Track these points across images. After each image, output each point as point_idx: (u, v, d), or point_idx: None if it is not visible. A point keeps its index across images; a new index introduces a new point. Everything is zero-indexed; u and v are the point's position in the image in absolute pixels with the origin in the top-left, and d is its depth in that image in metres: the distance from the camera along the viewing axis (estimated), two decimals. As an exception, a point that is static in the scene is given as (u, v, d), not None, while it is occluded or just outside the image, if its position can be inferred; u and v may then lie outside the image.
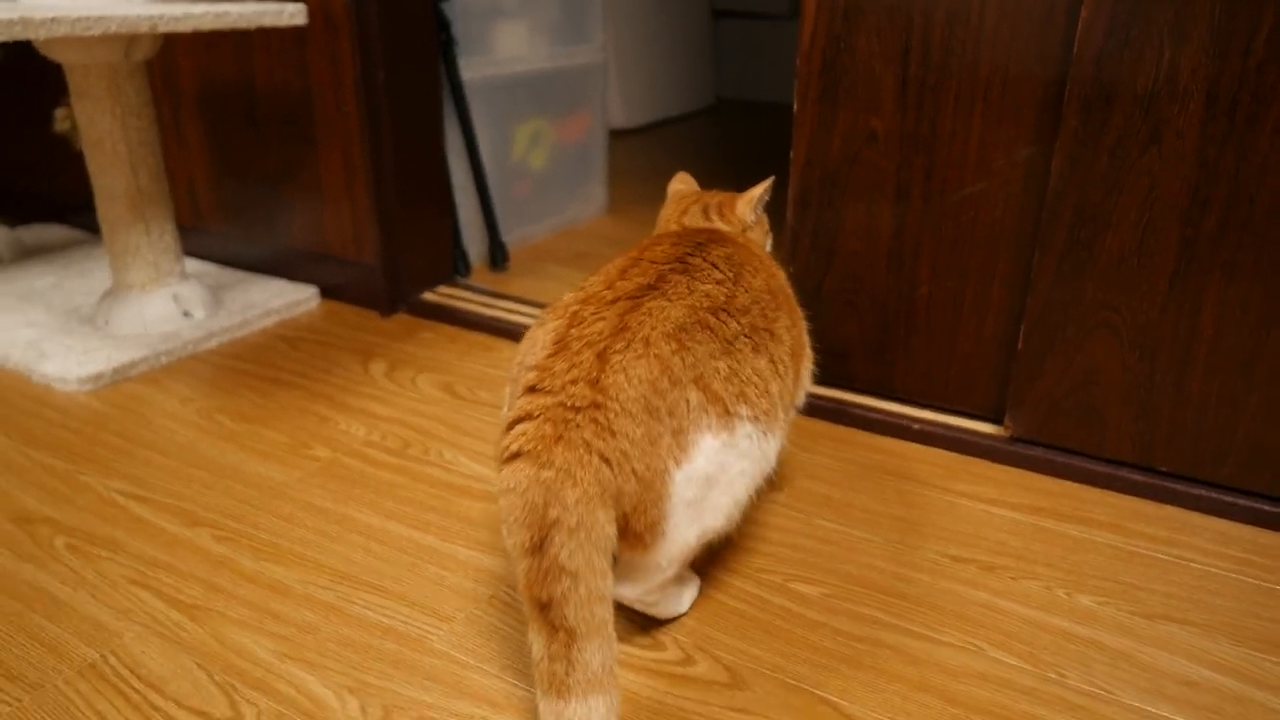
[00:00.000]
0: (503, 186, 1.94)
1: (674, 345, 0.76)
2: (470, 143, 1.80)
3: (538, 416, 0.73)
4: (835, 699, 0.83)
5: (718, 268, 0.86)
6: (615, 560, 0.82)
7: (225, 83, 1.72)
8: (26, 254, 1.96)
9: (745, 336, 0.82)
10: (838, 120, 1.23)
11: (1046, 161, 1.11)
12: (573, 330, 0.78)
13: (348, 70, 1.55)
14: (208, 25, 1.27)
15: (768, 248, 1.12)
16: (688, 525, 0.77)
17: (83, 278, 1.82)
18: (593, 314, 0.79)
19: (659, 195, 1.14)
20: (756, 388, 0.81)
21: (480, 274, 1.88)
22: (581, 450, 0.71)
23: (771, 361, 0.85)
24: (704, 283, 0.84)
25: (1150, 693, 0.84)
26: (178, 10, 1.24)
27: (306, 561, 1.01)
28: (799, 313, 1.00)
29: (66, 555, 1.01)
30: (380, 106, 1.57)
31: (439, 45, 1.70)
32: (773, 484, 1.16)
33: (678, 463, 0.75)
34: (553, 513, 0.69)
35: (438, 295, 1.74)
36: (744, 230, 1.07)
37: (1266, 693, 0.84)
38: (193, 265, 1.89)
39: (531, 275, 1.88)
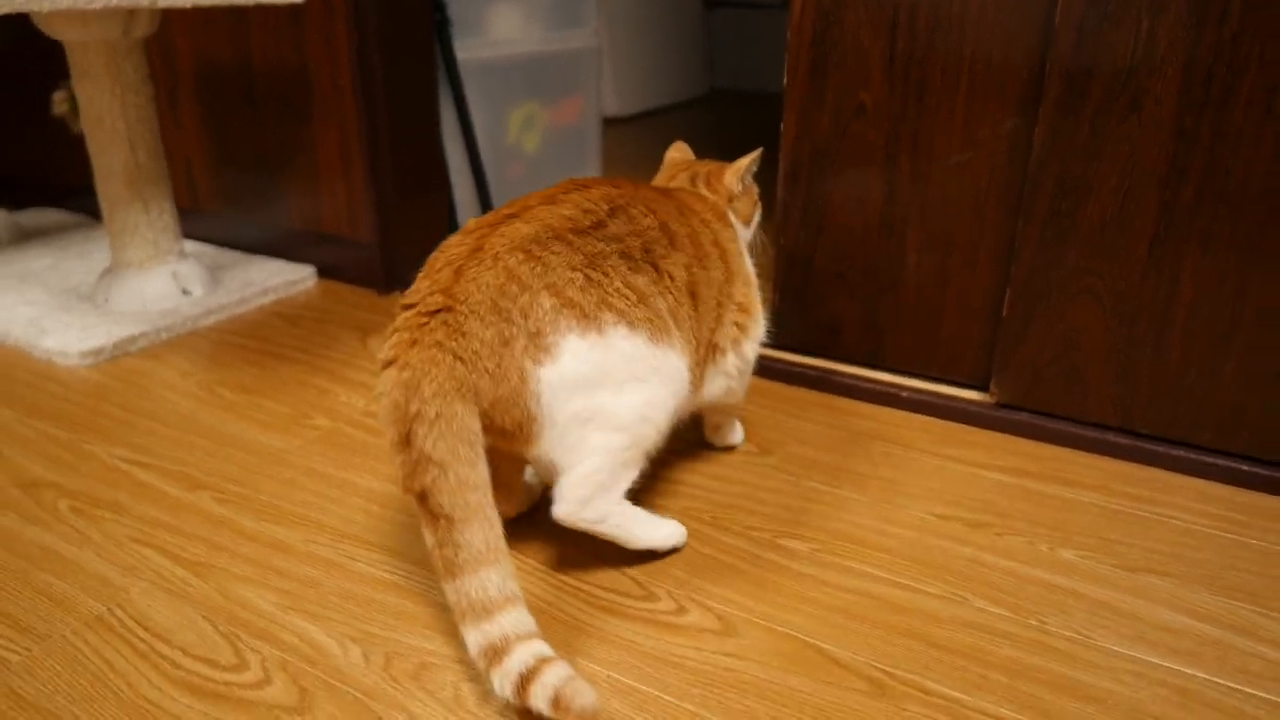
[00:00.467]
0: (497, 168, 1.96)
1: (521, 256, 0.83)
2: (465, 124, 1.82)
3: (402, 328, 0.83)
4: (822, 644, 0.85)
5: (590, 201, 0.91)
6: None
7: (222, 64, 1.74)
8: (24, 237, 1.98)
9: (618, 257, 0.88)
10: (827, 93, 1.25)
11: (1029, 132, 1.13)
12: (439, 256, 0.86)
13: (343, 49, 1.57)
14: (207, 1, 1.29)
15: (756, 218, 1.15)
16: (576, 427, 0.83)
17: (80, 259, 1.84)
18: (457, 241, 0.87)
19: (651, 180, 1.17)
20: (627, 299, 0.86)
21: (475, 254, 1.90)
22: (434, 350, 0.79)
23: (655, 284, 0.90)
24: (566, 209, 0.89)
25: (1130, 638, 0.86)
26: (176, -14, 1.26)
27: (308, 522, 1.03)
28: (731, 268, 1.03)
29: (71, 517, 1.03)
30: (376, 86, 1.59)
31: (434, 26, 1.72)
32: (763, 448, 1.19)
33: (538, 362, 0.81)
34: (413, 407, 0.77)
35: (434, 274, 1.76)
36: (730, 199, 1.10)
37: (1244, 638, 0.87)
38: (190, 247, 1.91)
39: (526, 256, 1.89)
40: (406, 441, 0.77)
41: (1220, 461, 1.12)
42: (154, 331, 1.50)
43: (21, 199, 2.23)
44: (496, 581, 0.75)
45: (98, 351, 1.42)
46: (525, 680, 0.72)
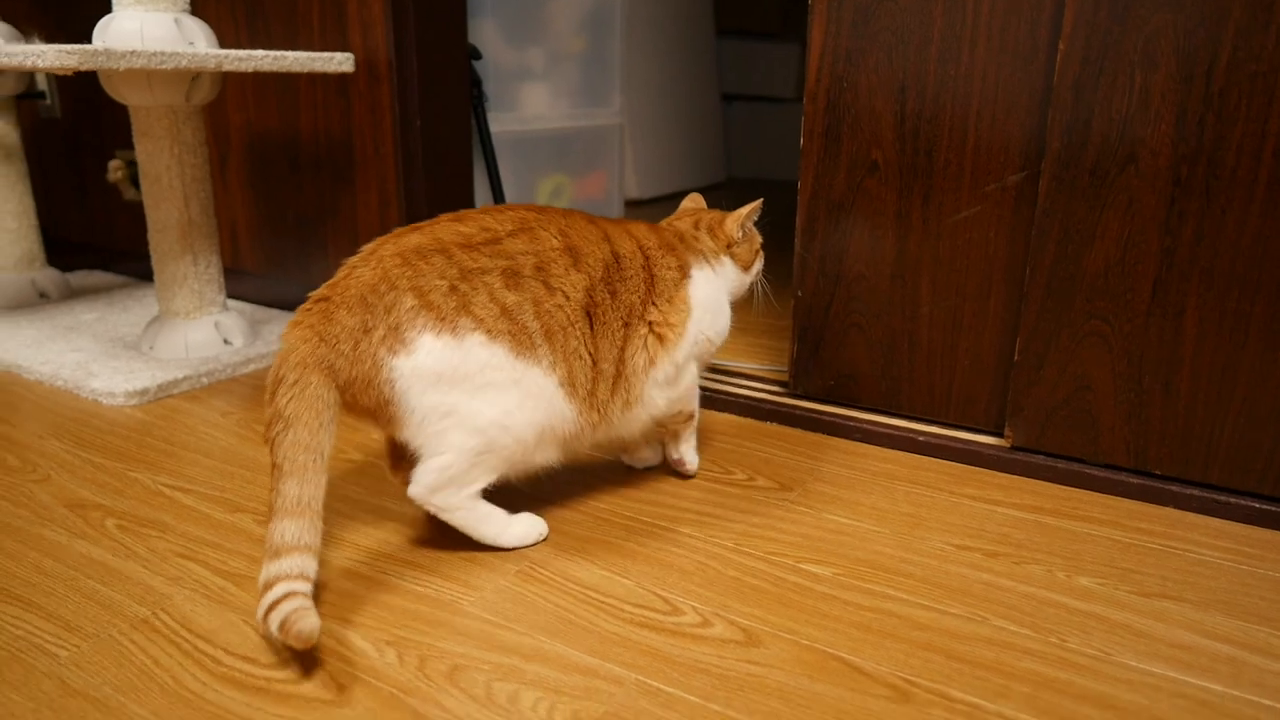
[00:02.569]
0: (525, 235, 2.05)
1: (398, 261, 0.96)
2: (496, 189, 1.92)
3: (295, 313, 0.97)
4: (846, 655, 0.87)
5: (496, 221, 1.02)
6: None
7: (270, 134, 1.85)
8: (73, 294, 2.07)
9: (499, 273, 0.98)
10: (842, 153, 1.33)
11: (1034, 184, 1.20)
12: (347, 259, 1.00)
13: (387, 117, 1.68)
14: (267, 66, 1.40)
15: (758, 265, 1.23)
16: (436, 420, 0.96)
17: (125, 313, 1.92)
18: (365, 247, 1.00)
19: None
20: (490, 310, 0.96)
21: (503, 315, 1.97)
22: (306, 330, 0.94)
23: (534, 302, 0.99)
24: (466, 227, 1.00)
25: (1147, 655, 0.88)
26: (241, 53, 1.37)
27: (345, 543, 1.06)
28: (656, 291, 1.08)
29: (117, 534, 1.07)
30: (415, 151, 1.69)
31: (472, 100, 1.83)
32: (783, 484, 1.23)
33: (393, 352, 0.94)
34: (281, 372, 0.92)
35: (463, 330, 1.83)
36: (729, 245, 1.18)
37: (1260, 656, 0.88)
38: (231, 304, 1.99)
39: (551, 316, 1.97)
40: (272, 398, 0.92)
41: (1233, 500, 1.14)
42: (196, 376, 1.56)
43: (71, 261, 2.34)
44: (293, 531, 0.87)
45: (142, 392, 1.48)
46: (271, 607, 0.82)
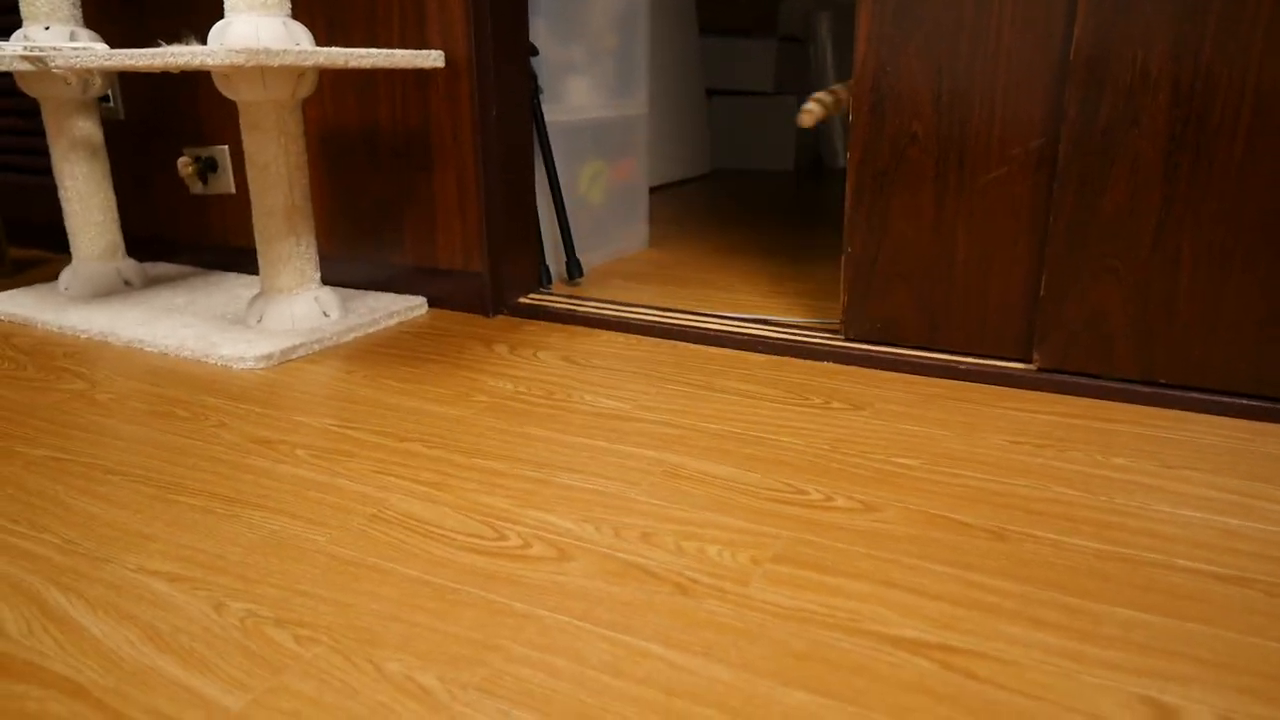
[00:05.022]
0: (570, 215, 2.25)
1: None
2: (552, 175, 2.12)
3: None
4: (947, 514, 1.10)
5: None
6: None
7: (347, 127, 2.03)
8: (152, 282, 2.21)
9: None
10: (886, 125, 1.56)
11: (1054, 146, 1.45)
12: None
13: (465, 106, 1.87)
14: (381, 63, 1.58)
15: None
16: None
17: (210, 297, 2.08)
18: None
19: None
20: None
21: (557, 286, 2.17)
22: None
23: None
24: None
25: (1179, 504, 1.12)
26: (360, 51, 1.55)
27: (507, 458, 1.26)
28: None
29: (311, 460, 1.26)
30: (492, 139, 1.89)
31: (530, 93, 2.03)
32: (855, 405, 1.45)
33: None
34: None
35: (530, 300, 2.02)
36: None
37: (1266, 502, 1.13)
38: (304, 287, 2.15)
39: (600, 287, 2.17)
40: None
41: (1225, 399, 1.40)
42: (308, 344, 1.73)
43: (134, 252, 2.48)
44: None
45: (268, 356, 1.66)
46: None
